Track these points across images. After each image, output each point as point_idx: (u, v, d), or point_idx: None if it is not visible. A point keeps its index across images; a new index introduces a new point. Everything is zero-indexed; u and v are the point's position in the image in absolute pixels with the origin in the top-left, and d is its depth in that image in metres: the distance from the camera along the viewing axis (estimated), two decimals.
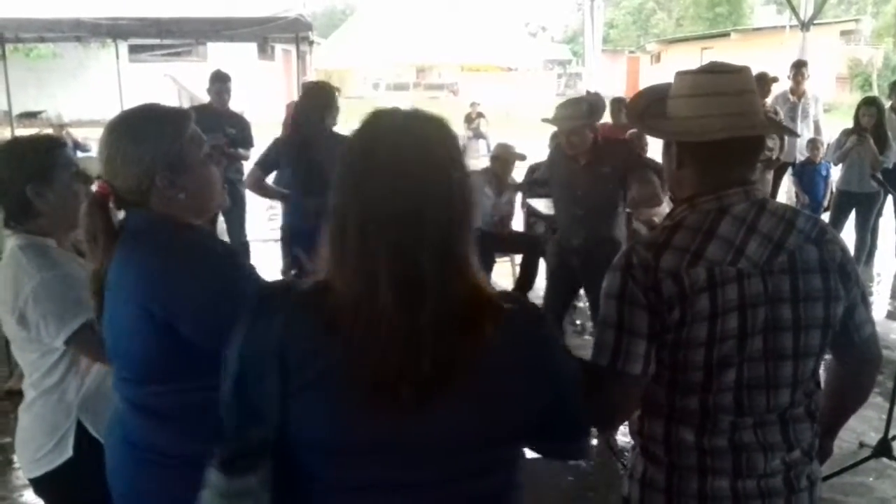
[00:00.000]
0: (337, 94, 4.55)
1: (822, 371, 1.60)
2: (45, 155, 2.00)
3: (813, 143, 7.28)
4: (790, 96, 7.66)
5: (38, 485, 2.08)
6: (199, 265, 1.55)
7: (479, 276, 1.12)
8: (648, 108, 1.65)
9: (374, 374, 1.05)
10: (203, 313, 1.51)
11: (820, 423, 1.62)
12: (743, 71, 1.53)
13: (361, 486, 1.13)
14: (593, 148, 4.00)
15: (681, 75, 1.57)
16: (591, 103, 4.05)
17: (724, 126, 1.48)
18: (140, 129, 1.58)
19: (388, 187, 1.05)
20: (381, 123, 1.12)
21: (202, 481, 1.53)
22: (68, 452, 1.99)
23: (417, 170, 1.06)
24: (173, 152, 1.57)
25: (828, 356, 1.62)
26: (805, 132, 7.55)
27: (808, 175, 7.31)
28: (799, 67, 7.71)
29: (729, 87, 1.51)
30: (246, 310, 1.16)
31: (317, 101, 4.45)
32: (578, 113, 3.92)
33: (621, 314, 1.47)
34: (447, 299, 1.06)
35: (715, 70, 1.55)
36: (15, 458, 3.83)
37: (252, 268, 1.71)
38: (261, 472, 1.10)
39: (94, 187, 2.05)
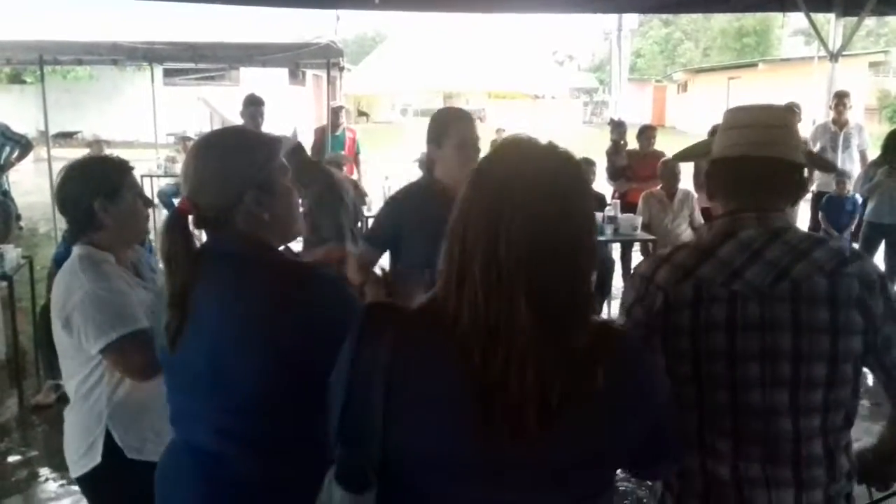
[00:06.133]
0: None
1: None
2: (114, 174, 2.15)
3: (839, 177, 7.21)
4: (832, 126, 7.56)
5: (80, 483, 2.18)
6: (325, 290, 1.54)
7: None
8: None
9: (505, 398, 1.06)
10: (329, 339, 1.40)
11: (881, 448, 1.65)
12: (774, 108, 1.60)
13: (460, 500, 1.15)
14: None
15: (727, 111, 1.65)
16: None
17: (732, 152, 1.56)
18: (234, 147, 1.58)
19: (525, 227, 1.07)
20: (518, 158, 1.14)
21: None
22: (97, 459, 2.07)
23: (553, 210, 1.08)
24: (264, 174, 1.56)
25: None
26: (847, 163, 7.44)
27: (834, 208, 7.28)
28: (841, 98, 7.64)
29: (755, 120, 1.57)
30: (353, 326, 1.18)
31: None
32: None
33: (627, 317, 1.58)
34: (578, 331, 1.10)
35: (752, 106, 1.62)
36: (41, 471, 3.91)
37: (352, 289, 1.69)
38: (374, 488, 1.14)
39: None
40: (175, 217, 1.53)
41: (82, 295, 2.00)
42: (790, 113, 1.64)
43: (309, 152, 8.52)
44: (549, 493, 1.14)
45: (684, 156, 1.85)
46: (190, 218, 1.54)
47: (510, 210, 1.07)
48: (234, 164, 1.54)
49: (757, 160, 1.54)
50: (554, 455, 1.11)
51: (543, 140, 1.18)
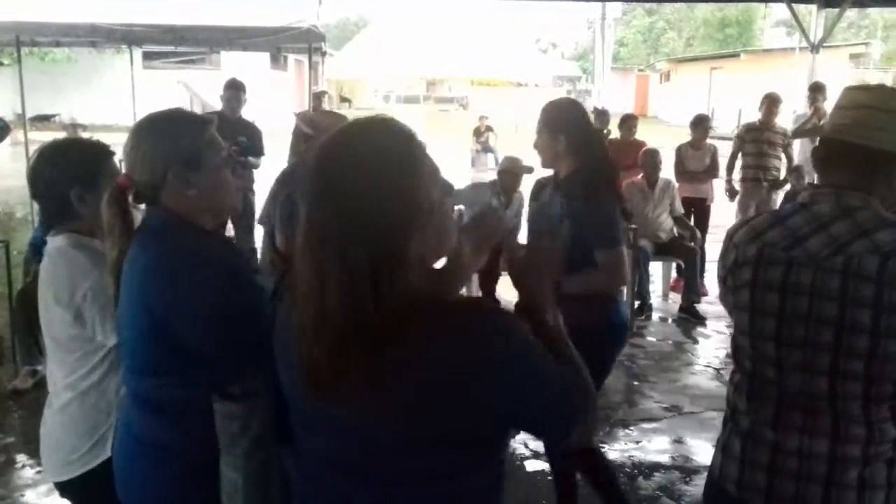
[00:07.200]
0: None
1: None
2: (93, 161, 2.04)
3: (797, 171, 7.09)
4: (813, 119, 7.60)
5: (69, 488, 2.05)
6: (205, 273, 1.60)
7: (430, 284, 1.17)
8: None
9: (305, 359, 1.15)
10: (200, 321, 1.58)
11: None
12: (873, 89, 1.69)
13: (309, 449, 1.27)
14: None
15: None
16: None
17: (817, 131, 1.67)
18: (162, 126, 1.69)
19: (311, 200, 1.14)
20: (335, 136, 1.18)
21: (195, 476, 1.60)
22: (106, 453, 1.95)
23: (333, 186, 1.12)
24: (189, 151, 1.66)
25: None
26: None
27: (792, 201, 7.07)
28: (814, 91, 7.69)
29: (851, 101, 1.64)
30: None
31: None
32: None
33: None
34: (353, 308, 1.10)
35: (853, 87, 1.71)
36: (17, 457, 3.85)
37: (260, 278, 1.75)
38: (244, 405, 1.42)
39: None
40: (114, 190, 1.66)
41: (91, 284, 1.91)
42: (882, 91, 1.66)
43: (291, 137, 8.50)
44: (361, 464, 1.18)
45: (801, 132, 1.95)
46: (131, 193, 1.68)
47: (307, 172, 1.17)
48: (160, 142, 1.66)
49: (832, 142, 1.64)
50: (357, 428, 1.16)
51: (385, 119, 1.21)
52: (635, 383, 5.07)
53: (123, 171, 1.72)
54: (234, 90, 6.59)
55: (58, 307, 1.95)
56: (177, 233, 1.66)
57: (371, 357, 1.10)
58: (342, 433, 1.19)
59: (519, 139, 17.93)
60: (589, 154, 2.86)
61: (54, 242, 2.02)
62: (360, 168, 1.12)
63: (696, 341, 5.98)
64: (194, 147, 1.67)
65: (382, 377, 1.11)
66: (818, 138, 1.74)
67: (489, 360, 1.13)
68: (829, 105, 7.58)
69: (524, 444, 4.03)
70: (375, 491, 1.20)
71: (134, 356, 1.68)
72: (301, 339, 1.14)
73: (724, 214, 8.05)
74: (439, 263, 1.31)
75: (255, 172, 6.64)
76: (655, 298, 6.73)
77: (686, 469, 3.88)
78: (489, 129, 17.85)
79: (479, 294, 1.52)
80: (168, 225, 1.67)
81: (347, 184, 1.11)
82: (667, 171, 6.74)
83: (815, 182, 1.69)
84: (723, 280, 1.76)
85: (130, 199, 1.68)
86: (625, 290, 3.11)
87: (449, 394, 1.12)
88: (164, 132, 1.68)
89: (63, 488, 2.07)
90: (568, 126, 2.87)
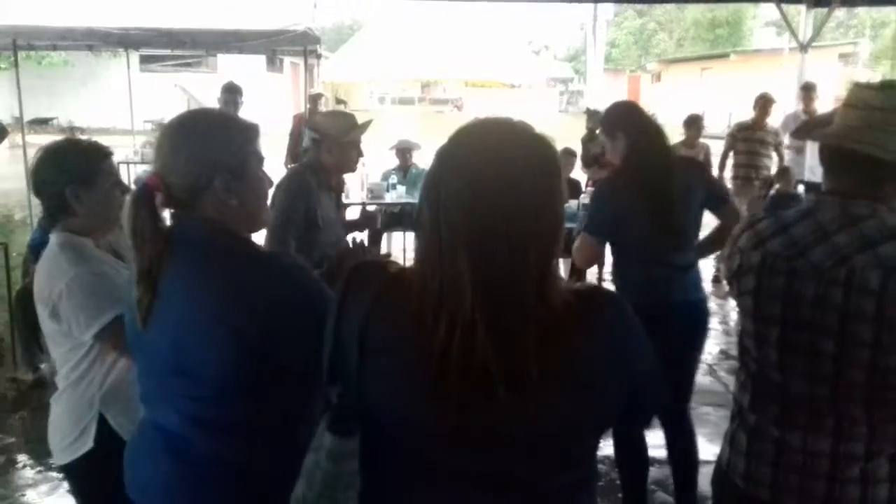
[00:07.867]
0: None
1: None
2: (90, 161, 2.08)
3: (786, 173, 6.96)
4: (801, 115, 7.61)
5: (66, 471, 2.16)
6: (305, 291, 1.54)
7: (560, 285, 1.15)
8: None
9: (451, 365, 1.08)
10: (294, 328, 1.48)
11: None
12: (882, 89, 1.56)
13: (426, 467, 1.17)
14: None
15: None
16: None
17: (823, 134, 1.60)
18: (211, 128, 1.57)
19: (460, 192, 1.08)
20: (475, 130, 1.16)
21: (278, 493, 1.37)
22: (89, 444, 2.04)
23: (490, 178, 1.08)
24: (238, 159, 1.56)
25: None
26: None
27: (781, 205, 6.43)
28: (807, 91, 7.77)
29: (858, 99, 1.56)
30: (342, 279, 1.23)
31: None
32: None
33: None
34: (527, 308, 1.08)
35: (861, 84, 1.62)
36: (18, 457, 3.89)
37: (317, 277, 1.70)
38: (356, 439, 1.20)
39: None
40: (143, 192, 1.50)
41: (68, 281, 1.95)
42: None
43: (287, 139, 8.54)
44: (516, 464, 1.15)
45: (807, 130, 1.86)
46: (159, 196, 1.52)
47: (448, 175, 1.11)
48: (209, 145, 1.54)
49: (833, 147, 1.58)
50: (516, 426, 1.12)
51: (522, 123, 1.18)
52: None
53: (120, 172, 1.67)
54: (231, 93, 6.67)
55: (40, 305, 2.02)
56: (241, 246, 1.58)
57: (546, 356, 1.08)
58: (489, 443, 1.13)
59: None
60: (639, 149, 2.90)
61: (51, 240, 2.09)
62: (521, 171, 1.09)
63: None
64: (242, 154, 1.58)
65: (555, 374, 1.10)
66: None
67: (628, 343, 1.19)
68: (819, 104, 7.69)
69: None
70: (519, 495, 1.17)
71: (211, 382, 1.50)
72: (457, 352, 1.07)
73: None
74: None
75: None
76: None
77: None
78: None
79: None
80: (219, 235, 1.55)
81: (511, 188, 1.08)
82: None
83: (807, 180, 1.70)
84: (728, 282, 1.76)
85: (158, 202, 1.53)
86: (645, 273, 2.98)
87: (599, 385, 1.14)
88: (213, 135, 1.56)
89: (64, 471, 2.19)
90: (622, 123, 2.97)
